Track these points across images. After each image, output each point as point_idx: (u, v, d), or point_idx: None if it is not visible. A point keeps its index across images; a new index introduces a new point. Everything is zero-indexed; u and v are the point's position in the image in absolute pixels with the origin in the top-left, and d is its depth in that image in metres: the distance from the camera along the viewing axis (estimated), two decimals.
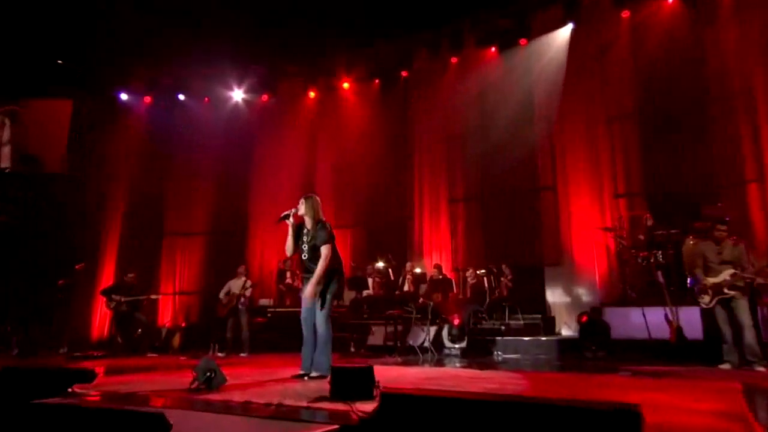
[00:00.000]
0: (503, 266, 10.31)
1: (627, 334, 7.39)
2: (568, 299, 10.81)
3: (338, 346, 9.05)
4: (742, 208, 9.21)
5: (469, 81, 12.38)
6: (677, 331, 6.66)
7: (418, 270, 11.32)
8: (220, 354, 8.74)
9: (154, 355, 9.01)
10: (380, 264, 10.91)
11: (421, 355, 7.98)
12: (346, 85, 14.06)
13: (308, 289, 4.97)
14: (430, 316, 8.31)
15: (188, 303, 13.82)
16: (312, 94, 14.50)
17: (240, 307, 8.73)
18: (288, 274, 11.15)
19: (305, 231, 5.02)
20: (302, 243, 4.98)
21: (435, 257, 12.27)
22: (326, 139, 14.35)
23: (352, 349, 8.84)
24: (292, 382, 4.77)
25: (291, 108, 14.52)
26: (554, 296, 11.00)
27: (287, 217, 5.06)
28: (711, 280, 5.91)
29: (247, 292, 8.74)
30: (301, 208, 5.08)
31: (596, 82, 10.71)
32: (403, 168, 13.15)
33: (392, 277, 10.99)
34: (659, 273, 7.33)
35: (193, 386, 4.15)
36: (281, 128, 14.59)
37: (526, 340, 8.38)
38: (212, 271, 13.94)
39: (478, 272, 10.03)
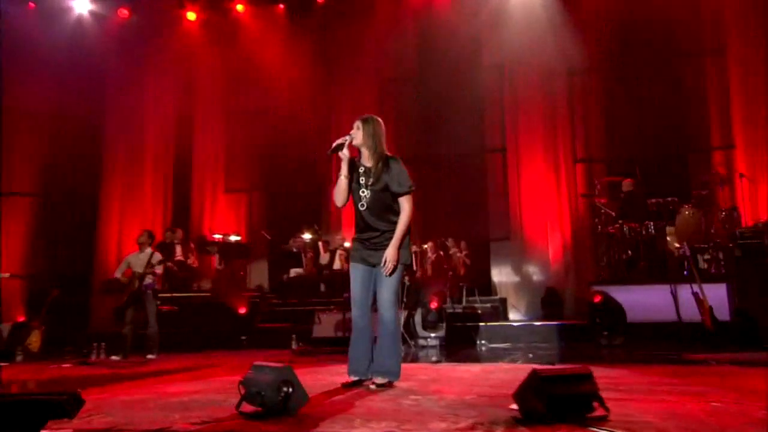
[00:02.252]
0: (453, 240, 9.53)
1: (635, 317, 6.97)
2: (516, 279, 10.48)
3: (274, 341, 7.67)
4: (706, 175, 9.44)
5: (406, 14, 11.33)
6: (711, 312, 6.35)
7: (347, 244, 10.09)
8: (114, 357, 6.77)
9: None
10: (307, 236, 9.47)
11: None
12: (240, 7, 12.09)
13: (390, 253, 3.74)
14: (404, 300, 7.21)
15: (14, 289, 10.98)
16: (191, 16, 12.22)
17: (145, 291, 6.80)
18: (178, 249, 9.19)
19: (362, 170, 3.84)
20: (360, 188, 3.82)
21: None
22: (211, 77, 12.32)
23: (294, 345, 7.42)
24: (370, 394, 3.57)
25: (161, 32, 12.13)
26: (501, 275, 10.57)
27: (341, 147, 3.83)
28: None
29: (158, 270, 6.83)
30: (358, 136, 3.85)
31: (557, 29, 10.20)
32: (321, 119, 11.72)
33: (323, 252, 9.64)
34: (685, 245, 7.00)
35: (244, 409, 2.85)
36: (147, 58, 12.17)
37: (516, 326, 7.72)
38: (45, 245, 11.24)
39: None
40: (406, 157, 11.47)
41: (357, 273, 3.92)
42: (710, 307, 6.48)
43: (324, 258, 9.94)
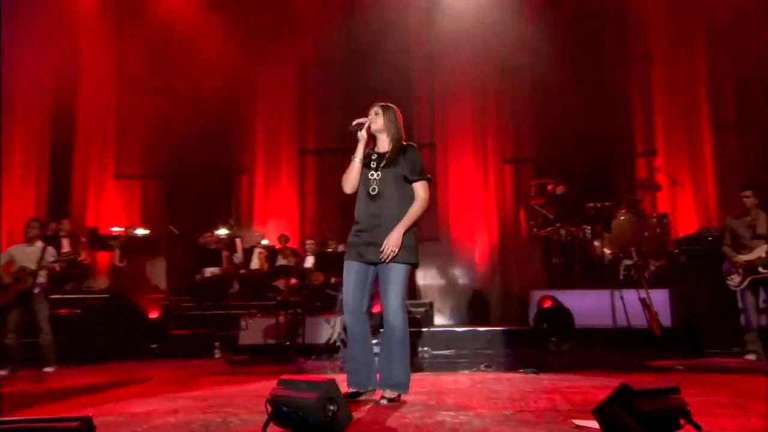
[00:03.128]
0: None
1: (581, 321, 7.21)
2: (442, 282, 10.49)
3: (192, 350, 7.12)
4: (631, 182, 10.02)
5: None
6: (657, 317, 6.70)
7: (266, 242, 9.68)
8: (1, 372, 5.91)
9: None
10: (222, 232, 8.90)
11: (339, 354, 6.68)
12: None
13: (393, 237, 3.55)
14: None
15: None
16: None
17: (36, 292, 5.99)
18: (65, 242, 8.27)
19: (374, 156, 3.71)
20: (369, 172, 3.68)
21: (273, 225, 10.71)
22: (97, 42, 11.23)
23: (218, 354, 6.94)
24: (392, 410, 3.31)
25: None
26: (426, 278, 10.55)
27: (361, 127, 3.69)
28: (743, 257, 5.99)
29: (56, 266, 6.04)
30: (378, 121, 3.72)
31: (491, 22, 10.32)
32: (233, 101, 11.10)
33: (238, 250, 9.10)
34: (633, 251, 7.32)
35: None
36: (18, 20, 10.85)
37: (459, 331, 7.70)
38: None
39: None
40: (329, 148, 11.40)
41: (351, 272, 3.68)
42: (656, 313, 6.80)
43: (238, 257, 9.39)
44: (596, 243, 8.42)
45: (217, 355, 7.07)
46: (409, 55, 10.99)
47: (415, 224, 3.74)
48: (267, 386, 4.26)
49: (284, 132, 11.37)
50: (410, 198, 3.67)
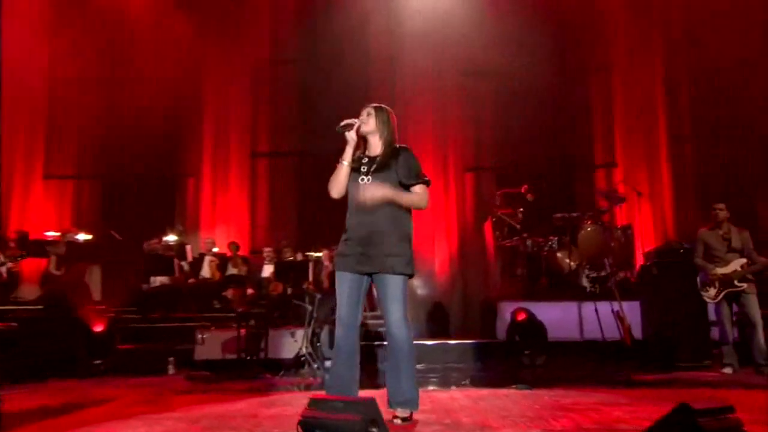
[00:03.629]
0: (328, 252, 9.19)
1: (550, 334, 7.27)
2: None
3: (142, 367, 6.76)
4: (591, 193, 10.25)
5: None
6: (630, 330, 6.82)
7: (217, 249, 9.34)
8: None
9: None
10: (171, 238, 8.51)
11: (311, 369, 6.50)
12: None
13: (384, 190, 3.45)
14: (314, 314, 6.77)
15: None
16: None
17: None
18: None
19: (365, 160, 3.57)
20: (359, 176, 3.53)
21: (221, 231, 10.37)
22: (30, 29, 10.61)
23: (172, 370, 6.60)
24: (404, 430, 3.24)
25: None
26: None
27: (350, 127, 3.53)
28: (720, 270, 6.15)
29: (2, 269, 5.58)
30: (369, 122, 3.57)
31: (454, 25, 10.38)
32: (180, 98, 10.69)
33: (189, 258, 8.73)
34: (607, 263, 7.43)
35: None
36: None
37: (429, 345, 7.60)
38: None
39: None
40: (282, 151, 11.14)
41: (344, 285, 3.53)
42: (630, 326, 6.92)
43: (185, 265, 9.00)
44: (559, 254, 8.52)
45: (171, 372, 6.69)
46: (369, 57, 10.91)
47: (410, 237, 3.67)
48: (253, 405, 4.08)
49: (235, 133, 11.06)
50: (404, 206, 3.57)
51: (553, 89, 10.43)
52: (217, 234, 10.26)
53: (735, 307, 6.36)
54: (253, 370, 6.58)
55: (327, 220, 10.55)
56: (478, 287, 10.00)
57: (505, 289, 8.59)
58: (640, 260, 8.95)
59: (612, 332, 7.21)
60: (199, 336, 7.05)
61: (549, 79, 10.47)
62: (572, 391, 4.73)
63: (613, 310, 7.11)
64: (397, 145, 3.61)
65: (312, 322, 6.68)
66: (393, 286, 3.46)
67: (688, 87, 10.41)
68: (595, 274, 8.33)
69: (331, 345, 7.01)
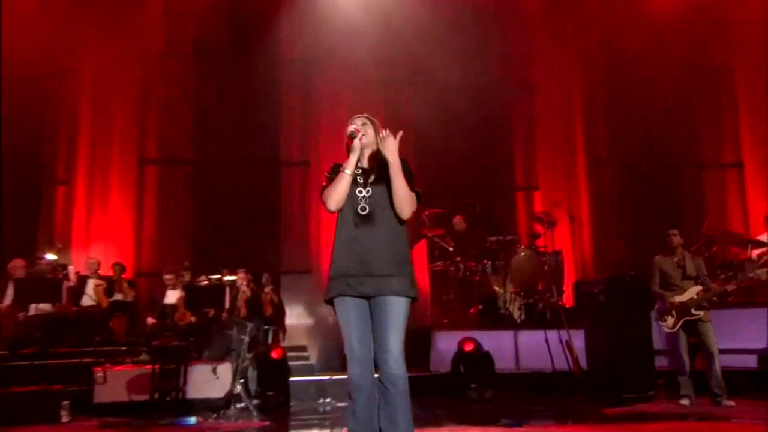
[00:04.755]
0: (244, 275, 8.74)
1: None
2: (310, 321, 10.05)
3: (29, 412, 5.96)
4: (512, 215, 10.54)
5: None
6: (578, 360, 6.98)
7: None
8: None
9: None
10: (50, 256, 7.66)
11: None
12: None
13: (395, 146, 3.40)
14: (245, 344, 6.32)
15: None
16: None
17: None
18: None
19: (359, 172, 3.55)
20: (357, 188, 3.50)
21: (97, 250, 9.54)
22: None
23: (65, 418, 5.89)
24: None
25: None
26: (292, 316, 10.01)
27: (353, 136, 3.50)
28: (678, 298, 6.38)
29: None
30: (369, 133, 3.56)
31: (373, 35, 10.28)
32: (51, 93, 9.80)
33: (72, 280, 7.89)
34: (553, 289, 7.53)
35: None
36: None
37: None
38: None
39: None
40: (173, 159, 10.43)
41: (350, 310, 3.36)
42: (577, 357, 7.07)
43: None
44: (493, 280, 8.60)
45: (65, 419, 5.89)
46: (280, 58, 10.52)
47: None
48: None
49: (119, 136, 10.19)
50: (402, 220, 3.47)
51: (476, 107, 10.53)
52: (92, 253, 9.35)
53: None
54: (169, 413, 5.97)
55: (228, 238, 10.06)
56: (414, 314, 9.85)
57: (440, 317, 8.50)
58: (569, 287, 9.32)
59: (546, 362, 7.36)
60: (99, 374, 6.33)
61: (472, 95, 10.60)
62: (562, 427, 4.68)
63: (561, 340, 7.22)
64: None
65: (243, 355, 6.18)
66: (396, 311, 3.29)
67: (605, 112, 10.97)
68: (528, 301, 8.47)
69: (260, 381, 6.59)
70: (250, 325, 6.46)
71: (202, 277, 8.57)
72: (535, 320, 8.26)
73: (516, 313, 8.42)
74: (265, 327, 8.37)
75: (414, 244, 9.68)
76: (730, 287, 6.48)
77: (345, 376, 7.48)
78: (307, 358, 8.51)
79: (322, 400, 6.95)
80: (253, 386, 6.64)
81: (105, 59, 10.06)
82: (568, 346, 7.08)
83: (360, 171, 3.49)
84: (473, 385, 6.99)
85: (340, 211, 3.42)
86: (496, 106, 10.82)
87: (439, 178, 10.25)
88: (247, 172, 10.37)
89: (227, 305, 7.47)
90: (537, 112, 10.98)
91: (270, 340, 8.04)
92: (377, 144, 3.52)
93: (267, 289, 8.54)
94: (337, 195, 3.40)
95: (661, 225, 10.17)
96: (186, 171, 10.42)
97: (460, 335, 7.32)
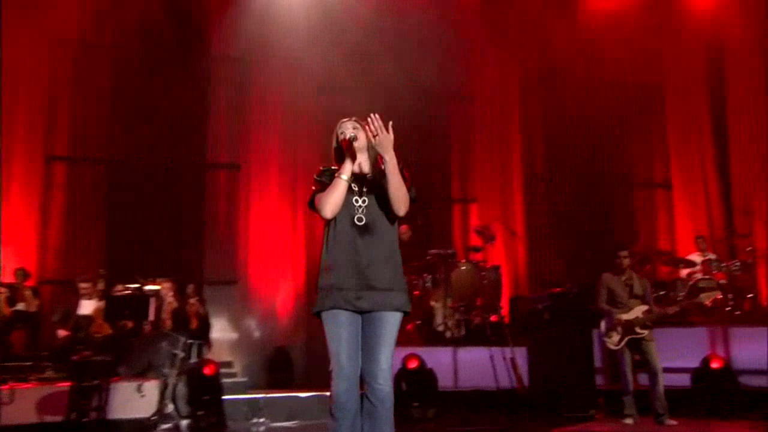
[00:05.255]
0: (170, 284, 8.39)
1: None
2: (234, 335, 9.73)
3: None
4: (448, 228, 10.67)
5: None
6: (521, 378, 7.05)
7: None
8: None
9: None
10: None
11: None
12: None
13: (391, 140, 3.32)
14: (179, 359, 6.02)
15: None
16: None
17: None
18: None
19: (353, 179, 3.54)
20: (353, 196, 3.47)
21: None
22: None
23: None
24: None
25: None
26: (215, 330, 9.62)
27: (353, 140, 3.45)
28: (624, 316, 6.52)
29: None
30: (361, 137, 3.50)
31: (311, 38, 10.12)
32: None
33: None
34: (498, 306, 7.55)
35: None
36: None
37: (303, 397, 7.12)
38: None
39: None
40: (85, 157, 9.90)
41: (342, 325, 3.30)
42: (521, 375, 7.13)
43: None
44: (433, 293, 8.58)
45: None
46: (210, 54, 10.20)
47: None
48: None
49: (23, 130, 9.49)
50: (397, 231, 3.54)
51: (416, 113, 10.49)
52: None
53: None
54: None
55: (146, 244, 9.59)
56: None
57: None
58: (505, 302, 9.42)
59: (503, 380, 7.41)
60: (4, 393, 5.86)
61: (409, 102, 10.56)
62: None
63: (505, 357, 7.25)
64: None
65: (176, 371, 5.86)
66: (391, 327, 3.32)
67: (541, 125, 11.21)
68: (467, 317, 8.48)
69: (191, 399, 6.29)
70: (183, 339, 6.12)
71: (120, 287, 8.11)
72: (474, 336, 8.28)
73: (455, 330, 8.41)
74: (189, 341, 8.02)
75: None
76: (671, 310, 6.72)
77: (280, 395, 7.47)
78: (235, 375, 8.20)
79: (255, 420, 6.72)
80: (182, 405, 6.29)
81: (12, 44, 9.39)
82: (513, 363, 7.09)
83: (353, 177, 3.44)
84: (415, 404, 6.92)
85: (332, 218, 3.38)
86: (435, 115, 10.87)
87: None
88: (168, 174, 9.97)
89: (151, 317, 7.07)
90: (475, 124, 11.07)
91: (196, 355, 7.68)
92: (369, 145, 3.46)
93: (192, 300, 8.21)
94: (334, 202, 3.35)
95: (593, 242, 10.68)
96: (99, 170, 9.87)
97: (400, 351, 7.21)
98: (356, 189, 3.44)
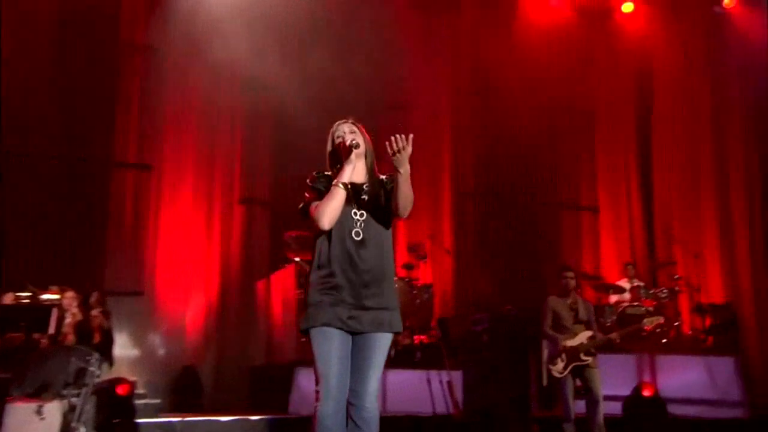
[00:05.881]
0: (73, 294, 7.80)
1: None
2: (135, 352, 9.17)
3: None
4: None
5: None
6: (458, 403, 6.97)
7: None
8: None
9: None
10: None
11: None
12: None
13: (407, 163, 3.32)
14: (92, 376, 5.58)
15: None
16: None
17: None
18: None
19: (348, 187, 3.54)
20: (351, 209, 3.45)
21: None
22: None
23: None
24: None
25: None
26: (116, 345, 9.01)
27: (355, 147, 3.45)
28: (569, 342, 6.48)
29: None
30: (361, 142, 3.53)
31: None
32: None
33: None
34: (436, 326, 7.43)
35: None
36: None
37: (223, 422, 6.76)
38: None
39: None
40: None
41: (333, 344, 3.28)
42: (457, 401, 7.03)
43: None
44: None
45: None
46: (119, 41, 9.68)
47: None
48: None
49: None
50: (393, 247, 3.56)
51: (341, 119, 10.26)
52: None
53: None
54: None
55: (39, 250, 8.86)
56: (245, 349, 9.32)
57: (304, 353, 8.07)
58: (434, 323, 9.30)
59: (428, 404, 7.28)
60: None
61: (336, 106, 10.31)
62: None
63: (442, 381, 7.13)
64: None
65: (87, 391, 5.39)
66: (382, 349, 3.36)
67: (472, 143, 11.25)
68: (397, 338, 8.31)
69: (101, 422, 5.85)
70: (96, 354, 5.64)
71: (10, 295, 7.43)
72: (403, 359, 8.10)
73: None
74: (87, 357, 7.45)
75: (277, 270, 9.21)
76: (615, 336, 6.80)
77: (196, 418, 7.04)
78: (144, 396, 7.65)
79: None
80: (90, 428, 5.79)
81: None
82: (449, 387, 6.97)
83: (349, 186, 3.41)
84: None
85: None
86: (365, 124, 10.60)
87: (300, 197, 9.81)
88: (70, 172, 9.28)
89: (52, 330, 6.49)
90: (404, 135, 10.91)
91: (100, 372, 7.12)
92: (368, 155, 3.52)
93: (95, 312, 7.62)
94: (333, 212, 3.33)
95: (521, 262, 10.76)
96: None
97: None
98: (353, 199, 3.41)
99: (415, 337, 8.31)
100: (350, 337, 3.32)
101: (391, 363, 7.86)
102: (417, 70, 11.07)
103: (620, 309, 9.12)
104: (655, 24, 11.49)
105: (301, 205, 3.51)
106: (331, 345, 3.26)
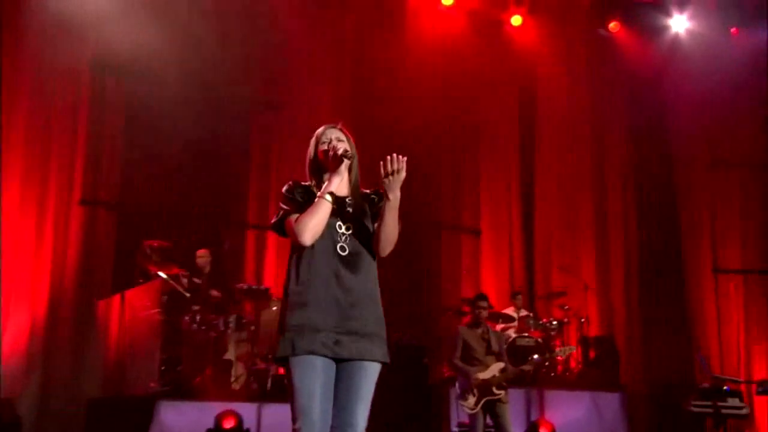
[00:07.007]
0: None
1: None
2: None
3: None
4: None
5: None
6: None
7: None
8: None
9: None
10: None
11: None
12: None
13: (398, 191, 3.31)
14: None
15: None
16: None
17: None
18: None
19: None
20: (336, 222, 3.41)
21: None
22: None
23: None
24: None
25: None
26: None
27: (347, 157, 3.40)
28: (480, 375, 6.27)
29: None
30: (349, 148, 3.50)
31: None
32: None
33: None
34: None
35: None
36: None
37: None
38: None
39: None
40: None
41: (316, 371, 3.16)
42: None
43: None
44: (234, 337, 7.79)
45: None
46: None
47: None
48: None
49: None
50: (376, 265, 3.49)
51: (208, 126, 9.62)
52: None
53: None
54: None
55: None
56: (81, 378, 8.43)
57: (166, 383, 7.33)
58: None
59: None
60: None
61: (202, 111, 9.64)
62: None
63: None
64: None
65: None
66: (371, 379, 3.29)
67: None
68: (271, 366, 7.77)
69: None
70: None
71: None
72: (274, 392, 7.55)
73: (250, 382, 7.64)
74: None
75: (133, 286, 8.30)
76: (527, 368, 6.80)
77: None
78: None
79: None
80: None
81: None
82: None
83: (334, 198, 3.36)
84: None
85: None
86: (236, 126, 10.10)
87: (163, 204, 9.31)
88: None
89: None
90: (276, 143, 10.42)
91: None
92: (354, 164, 3.45)
93: None
94: (317, 227, 3.25)
95: (401, 286, 10.40)
96: None
97: (217, 407, 6.52)
98: (338, 212, 3.34)
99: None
100: (334, 364, 3.21)
101: (268, 396, 7.36)
102: (295, 68, 10.61)
103: (510, 340, 9.00)
104: (541, 40, 11.59)
105: (276, 218, 3.34)
106: (314, 376, 3.12)
